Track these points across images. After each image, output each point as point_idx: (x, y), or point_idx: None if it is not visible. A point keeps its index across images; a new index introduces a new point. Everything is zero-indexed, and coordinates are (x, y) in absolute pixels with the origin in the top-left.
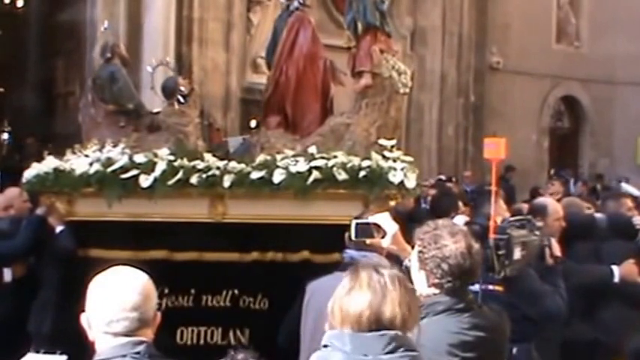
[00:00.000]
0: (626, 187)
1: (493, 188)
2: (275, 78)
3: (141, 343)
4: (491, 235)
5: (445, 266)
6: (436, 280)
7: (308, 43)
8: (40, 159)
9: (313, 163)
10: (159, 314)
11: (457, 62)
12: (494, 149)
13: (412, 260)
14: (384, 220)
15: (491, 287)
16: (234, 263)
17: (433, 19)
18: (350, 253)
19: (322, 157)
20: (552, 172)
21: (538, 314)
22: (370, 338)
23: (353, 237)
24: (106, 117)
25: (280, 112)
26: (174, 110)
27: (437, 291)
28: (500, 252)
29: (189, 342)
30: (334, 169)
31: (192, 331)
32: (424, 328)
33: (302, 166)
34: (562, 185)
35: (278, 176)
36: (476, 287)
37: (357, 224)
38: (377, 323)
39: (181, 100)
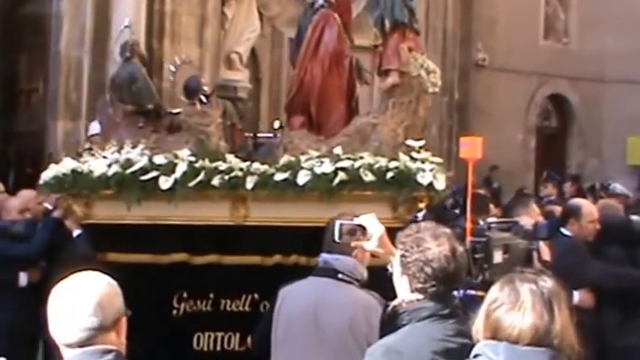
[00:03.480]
0: (615, 186)
1: (469, 189)
2: (299, 77)
3: (109, 351)
4: (468, 238)
5: (428, 270)
6: (419, 285)
7: (334, 41)
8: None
9: (339, 164)
10: (124, 319)
11: (441, 59)
12: (471, 148)
13: (394, 265)
14: (370, 221)
15: (472, 292)
16: (255, 267)
17: (416, 13)
18: (324, 256)
19: (348, 158)
20: (545, 174)
21: None
22: (527, 352)
23: (336, 238)
24: (124, 117)
25: (304, 112)
26: (196, 110)
27: (420, 296)
28: (478, 255)
29: (205, 348)
30: (361, 170)
31: (209, 336)
32: (406, 334)
33: (327, 167)
34: (555, 187)
35: (303, 178)
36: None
37: (342, 225)
38: (538, 342)
39: (204, 99)
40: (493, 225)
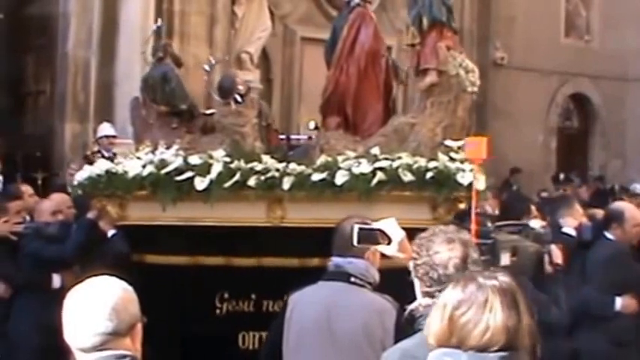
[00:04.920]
0: (635, 187)
1: (474, 192)
2: (335, 77)
3: (123, 357)
4: (473, 240)
5: (434, 275)
6: (426, 289)
7: (370, 40)
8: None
9: (377, 164)
10: (139, 325)
11: None
12: (476, 149)
13: (410, 267)
14: (390, 226)
15: None
16: (295, 269)
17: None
18: (335, 260)
19: (386, 158)
20: (562, 176)
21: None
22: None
23: (355, 243)
24: (157, 118)
25: (340, 113)
26: (231, 110)
27: (430, 301)
28: (484, 257)
29: (251, 346)
30: (399, 170)
31: (254, 335)
32: (423, 339)
33: (365, 167)
34: (573, 190)
35: (341, 178)
36: None
37: (360, 229)
38: (509, 343)
39: (239, 99)
40: (502, 227)
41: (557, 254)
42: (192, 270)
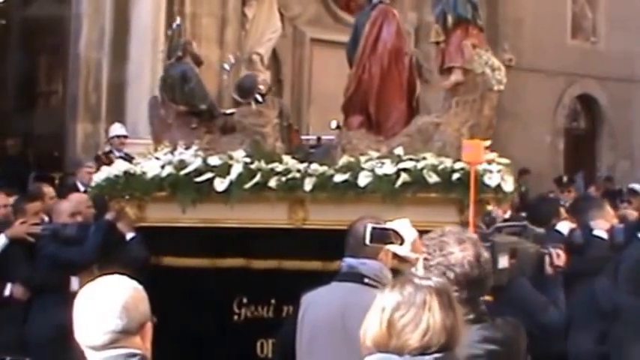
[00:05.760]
0: (633, 186)
1: (472, 194)
2: (357, 75)
3: (133, 355)
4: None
5: (451, 275)
6: None
7: (392, 38)
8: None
9: (401, 165)
10: (149, 324)
11: None
12: (473, 152)
13: (418, 268)
14: (403, 226)
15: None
16: (317, 272)
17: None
18: (348, 261)
19: (411, 159)
20: (565, 178)
21: (534, 327)
22: None
23: (367, 242)
24: (176, 118)
25: (363, 112)
26: (251, 110)
27: None
28: None
29: (270, 355)
30: (424, 171)
31: (274, 344)
32: None
33: (389, 168)
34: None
35: (364, 179)
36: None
37: (373, 229)
38: (447, 343)
39: (259, 99)
40: (503, 228)
41: (559, 256)
42: (211, 273)
